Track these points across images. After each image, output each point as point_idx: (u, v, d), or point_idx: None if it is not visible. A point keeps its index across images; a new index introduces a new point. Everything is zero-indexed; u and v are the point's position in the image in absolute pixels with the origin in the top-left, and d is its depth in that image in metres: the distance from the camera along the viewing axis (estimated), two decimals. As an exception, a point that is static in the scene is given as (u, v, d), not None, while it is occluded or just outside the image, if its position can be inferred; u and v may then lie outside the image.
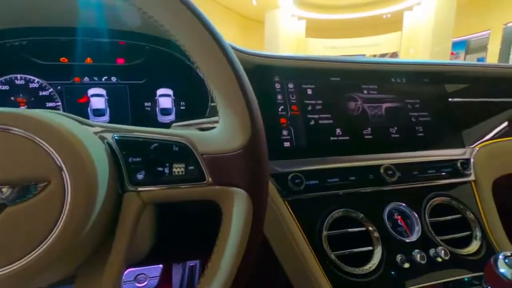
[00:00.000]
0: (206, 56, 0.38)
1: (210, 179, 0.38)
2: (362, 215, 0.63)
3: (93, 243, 0.35)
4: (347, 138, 0.71)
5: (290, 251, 0.58)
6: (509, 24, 7.64)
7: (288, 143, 0.67)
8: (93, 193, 0.31)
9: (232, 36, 10.13)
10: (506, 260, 0.42)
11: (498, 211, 0.74)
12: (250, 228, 0.36)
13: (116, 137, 0.38)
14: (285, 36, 9.99)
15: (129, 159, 0.38)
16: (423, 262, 0.59)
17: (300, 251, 0.57)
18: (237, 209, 0.37)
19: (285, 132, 0.68)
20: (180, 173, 0.38)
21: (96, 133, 0.38)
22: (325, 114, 0.72)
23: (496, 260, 0.43)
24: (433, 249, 0.61)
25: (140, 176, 0.37)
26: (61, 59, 0.66)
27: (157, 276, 1.33)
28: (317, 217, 0.61)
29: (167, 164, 0.38)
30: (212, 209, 0.63)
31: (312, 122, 0.70)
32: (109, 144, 0.38)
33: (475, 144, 0.80)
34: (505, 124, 0.87)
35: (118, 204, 0.37)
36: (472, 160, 0.77)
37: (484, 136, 0.83)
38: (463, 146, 0.80)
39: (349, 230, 0.61)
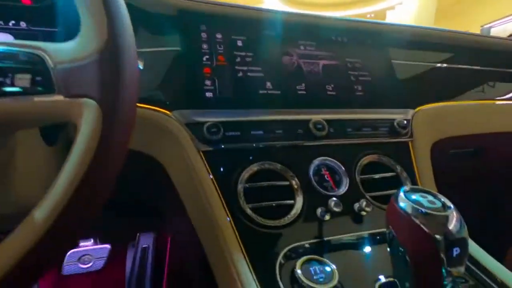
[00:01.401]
0: None
1: (58, 91, 0.32)
2: (286, 168, 0.59)
3: None
4: (278, 92, 0.67)
5: (199, 204, 0.53)
6: (485, 26, 7.89)
7: (211, 93, 0.62)
8: None
9: (216, 30, 9.96)
10: (406, 194, 0.39)
11: (435, 174, 0.72)
12: (98, 143, 0.31)
13: None
14: (270, 32, 9.93)
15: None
16: (344, 214, 0.56)
17: (208, 203, 0.52)
18: (85, 122, 0.31)
19: (208, 82, 0.63)
20: (24, 84, 0.32)
21: None
22: (255, 67, 0.67)
23: (396, 196, 0.39)
24: (358, 203, 0.57)
25: (-29, 87, 0.31)
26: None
27: (104, 257, 1.25)
28: (234, 169, 0.57)
29: (9, 74, 0.32)
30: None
31: (240, 74, 0.65)
32: None
33: (416, 106, 0.78)
34: (448, 88, 0.85)
35: None
36: (411, 120, 0.75)
37: (426, 99, 0.80)
38: (404, 107, 0.77)
39: (270, 183, 0.57)
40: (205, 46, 0.65)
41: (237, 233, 0.50)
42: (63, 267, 1.19)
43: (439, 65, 0.86)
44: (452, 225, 0.35)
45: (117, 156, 0.33)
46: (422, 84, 0.83)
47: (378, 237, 0.54)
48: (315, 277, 0.43)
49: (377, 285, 0.45)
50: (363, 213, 0.57)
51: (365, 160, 0.66)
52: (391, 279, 0.45)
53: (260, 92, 0.66)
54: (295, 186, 0.58)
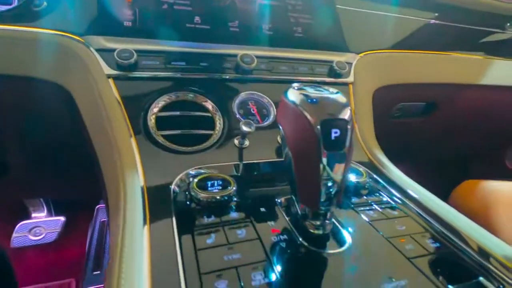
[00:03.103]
0: None
1: None
2: (206, 99, 0.56)
3: None
4: (207, 27, 0.63)
5: (104, 132, 0.49)
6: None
7: (130, 23, 0.58)
8: None
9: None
10: (296, 88, 0.36)
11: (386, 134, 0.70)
12: None
13: None
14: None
15: None
16: (265, 144, 0.53)
17: (111, 130, 0.48)
18: None
19: (127, 11, 0.58)
20: None
21: None
22: (183, 1, 0.63)
23: (286, 91, 0.36)
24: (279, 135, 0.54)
25: None
26: None
27: (56, 230, 1.20)
28: (149, 97, 0.53)
29: None
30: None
31: (165, 6, 0.62)
32: None
33: (360, 52, 0.76)
34: (396, 37, 0.83)
35: None
36: (354, 64, 0.72)
37: (372, 46, 0.78)
38: (347, 52, 0.74)
39: (187, 113, 0.53)
40: (126, -25, 0.61)
41: (139, 157, 0.46)
42: (12, 239, 1.14)
43: (390, 14, 0.84)
44: (333, 107, 0.32)
45: None
46: (369, 32, 0.80)
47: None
48: (210, 189, 0.40)
49: (278, 202, 0.42)
50: (286, 143, 0.54)
51: (298, 97, 0.63)
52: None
53: (187, 26, 0.62)
54: (216, 117, 0.54)
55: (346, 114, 0.32)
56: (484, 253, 0.35)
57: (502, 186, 0.64)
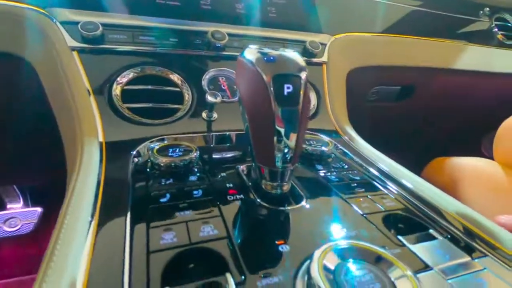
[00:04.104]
0: None
1: None
2: (173, 73, 0.55)
3: None
4: (178, 3, 0.63)
5: (67, 104, 0.48)
6: None
7: (96, -4, 0.57)
8: None
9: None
10: (253, 48, 0.36)
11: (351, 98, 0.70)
12: None
13: None
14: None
15: None
16: (234, 117, 0.53)
17: (74, 102, 0.47)
18: None
19: (95, -15, 0.57)
20: None
21: None
22: (153, -24, 0.62)
23: (243, 51, 0.35)
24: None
25: None
26: None
27: (33, 221, 1.17)
28: (115, 71, 0.52)
29: None
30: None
31: (135, -19, 0.61)
32: None
33: (335, 33, 0.76)
34: (368, 20, 0.83)
35: None
36: (328, 44, 0.73)
37: (348, 28, 0.79)
38: (322, 33, 0.75)
39: (156, 87, 0.53)
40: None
41: (101, 128, 0.45)
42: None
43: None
44: (287, 64, 0.32)
45: None
46: (344, 14, 0.81)
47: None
48: (170, 154, 0.40)
49: (239, 168, 0.42)
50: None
51: (270, 75, 0.63)
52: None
53: (156, 1, 0.61)
54: (184, 91, 0.54)
55: (300, 71, 0.32)
56: (436, 210, 0.35)
57: (468, 161, 0.66)
